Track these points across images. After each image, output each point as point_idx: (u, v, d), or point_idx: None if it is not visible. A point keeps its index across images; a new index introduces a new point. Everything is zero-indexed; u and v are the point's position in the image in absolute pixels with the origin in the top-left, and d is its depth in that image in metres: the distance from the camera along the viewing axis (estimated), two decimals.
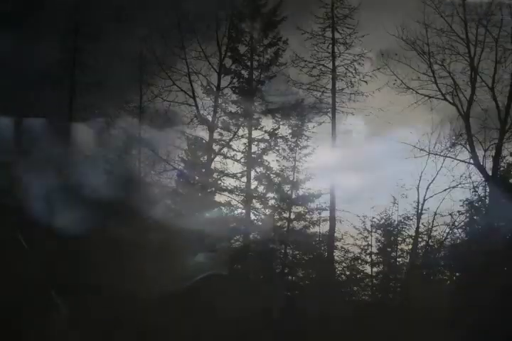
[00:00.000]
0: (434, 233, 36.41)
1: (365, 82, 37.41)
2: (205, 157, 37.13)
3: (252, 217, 37.12)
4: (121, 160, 36.13)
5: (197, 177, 37.26)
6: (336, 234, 36.85)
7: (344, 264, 36.83)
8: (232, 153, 37.27)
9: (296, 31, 37.19)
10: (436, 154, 36.22)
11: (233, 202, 37.06)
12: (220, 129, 37.21)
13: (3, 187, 32.76)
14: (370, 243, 36.80)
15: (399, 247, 36.71)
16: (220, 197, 37.09)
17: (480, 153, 35.95)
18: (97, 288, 30.17)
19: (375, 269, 36.77)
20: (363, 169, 35.82)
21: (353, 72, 37.54)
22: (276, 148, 37.32)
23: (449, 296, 34.34)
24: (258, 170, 37.38)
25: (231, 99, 37.46)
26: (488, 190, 36.03)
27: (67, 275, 30.94)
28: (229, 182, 37.16)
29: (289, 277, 36.97)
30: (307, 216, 37.02)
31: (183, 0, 36.07)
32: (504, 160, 36.14)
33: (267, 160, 37.37)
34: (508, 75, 35.96)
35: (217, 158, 37.11)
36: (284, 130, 37.39)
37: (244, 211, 37.02)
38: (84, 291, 30.25)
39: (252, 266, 36.07)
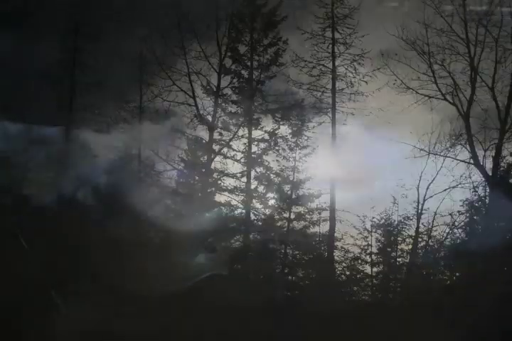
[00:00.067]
0: (434, 233, 36.42)
1: (365, 82, 37.40)
2: (205, 157, 37.13)
3: (252, 217, 37.14)
4: (121, 160, 36.13)
5: (197, 177, 37.27)
6: (335, 234, 36.87)
7: (344, 264, 36.83)
8: (232, 153, 37.29)
9: (296, 31, 37.17)
10: (436, 154, 36.23)
11: (233, 202, 37.07)
12: (220, 129, 37.24)
13: (3, 187, 32.82)
14: (370, 243, 36.79)
15: (399, 247, 36.68)
16: (220, 197, 37.11)
17: (480, 153, 35.99)
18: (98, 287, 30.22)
19: (375, 269, 36.75)
20: (363, 169, 35.81)
21: (353, 72, 37.53)
22: (276, 148, 37.31)
23: (449, 296, 34.28)
24: (258, 170, 37.37)
25: (231, 99, 37.47)
26: (488, 190, 36.05)
27: (67, 274, 30.97)
28: (229, 182, 37.19)
29: (289, 277, 36.97)
30: (307, 216, 37.01)
31: (183, 0, 36.08)
32: (504, 160, 36.14)
33: (266, 160, 37.37)
34: (508, 75, 35.97)
35: (217, 158, 37.14)
36: (284, 130, 37.40)
37: (244, 211, 37.04)
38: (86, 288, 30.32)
39: (252, 266, 36.06)
